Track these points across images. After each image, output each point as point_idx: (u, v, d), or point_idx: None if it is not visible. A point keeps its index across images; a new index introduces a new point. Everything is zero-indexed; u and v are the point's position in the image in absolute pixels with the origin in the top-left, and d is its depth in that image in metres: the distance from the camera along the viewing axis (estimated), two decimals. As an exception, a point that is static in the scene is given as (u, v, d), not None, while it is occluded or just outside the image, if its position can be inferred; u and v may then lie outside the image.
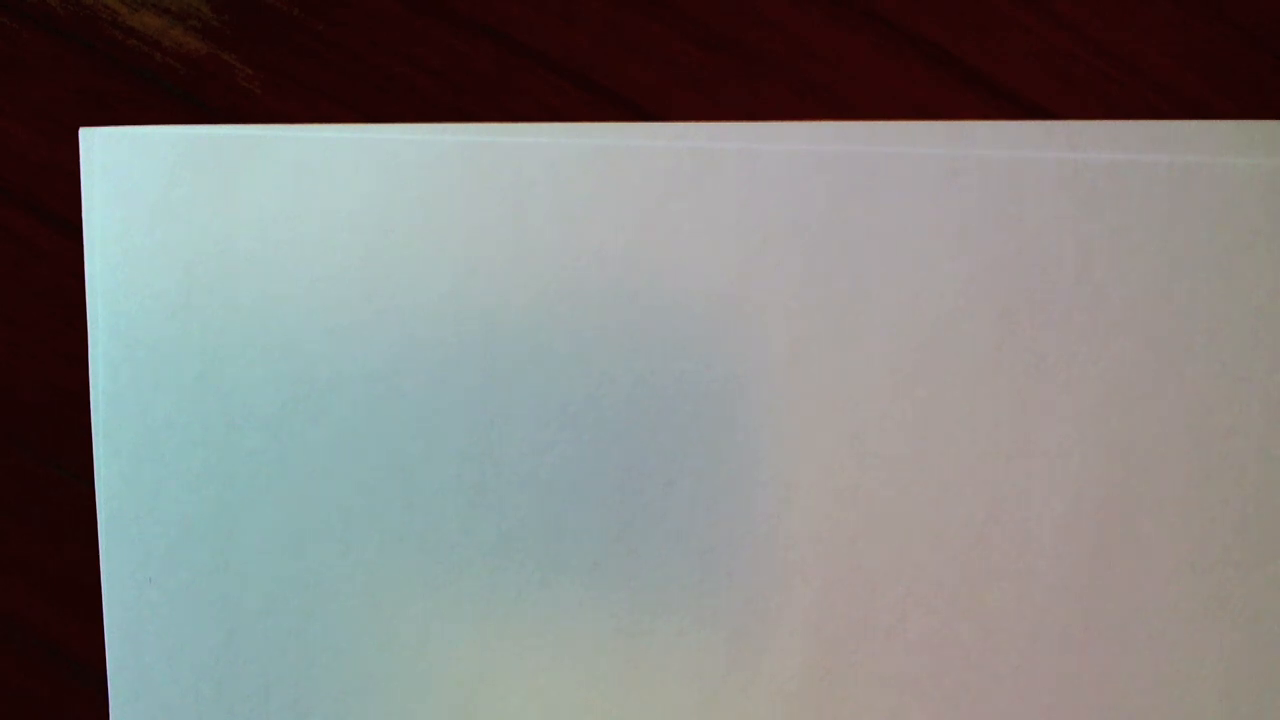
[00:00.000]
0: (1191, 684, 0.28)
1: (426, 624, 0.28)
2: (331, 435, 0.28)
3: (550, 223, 0.28)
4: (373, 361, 0.28)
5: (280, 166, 0.28)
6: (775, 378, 0.28)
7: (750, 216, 0.28)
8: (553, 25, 0.29)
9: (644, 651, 0.28)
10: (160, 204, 0.28)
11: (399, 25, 0.29)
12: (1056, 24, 0.29)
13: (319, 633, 0.28)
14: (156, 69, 0.29)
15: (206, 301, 0.28)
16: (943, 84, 0.29)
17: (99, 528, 0.28)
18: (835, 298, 0.28)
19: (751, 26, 0.29)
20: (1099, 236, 0.28)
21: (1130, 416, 0.28)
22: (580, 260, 0.28)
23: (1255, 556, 0.28)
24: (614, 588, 0.28)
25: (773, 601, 0.28)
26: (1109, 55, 0.29)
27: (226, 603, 0.28)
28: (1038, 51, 0.29)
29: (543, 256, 0.28)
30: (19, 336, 0.29)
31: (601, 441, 0.28)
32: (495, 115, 0.29)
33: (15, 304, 0.29)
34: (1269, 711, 0.28)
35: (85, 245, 0.28)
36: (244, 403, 0.28)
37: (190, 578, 0.28)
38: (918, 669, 0.28)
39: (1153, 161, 0.28)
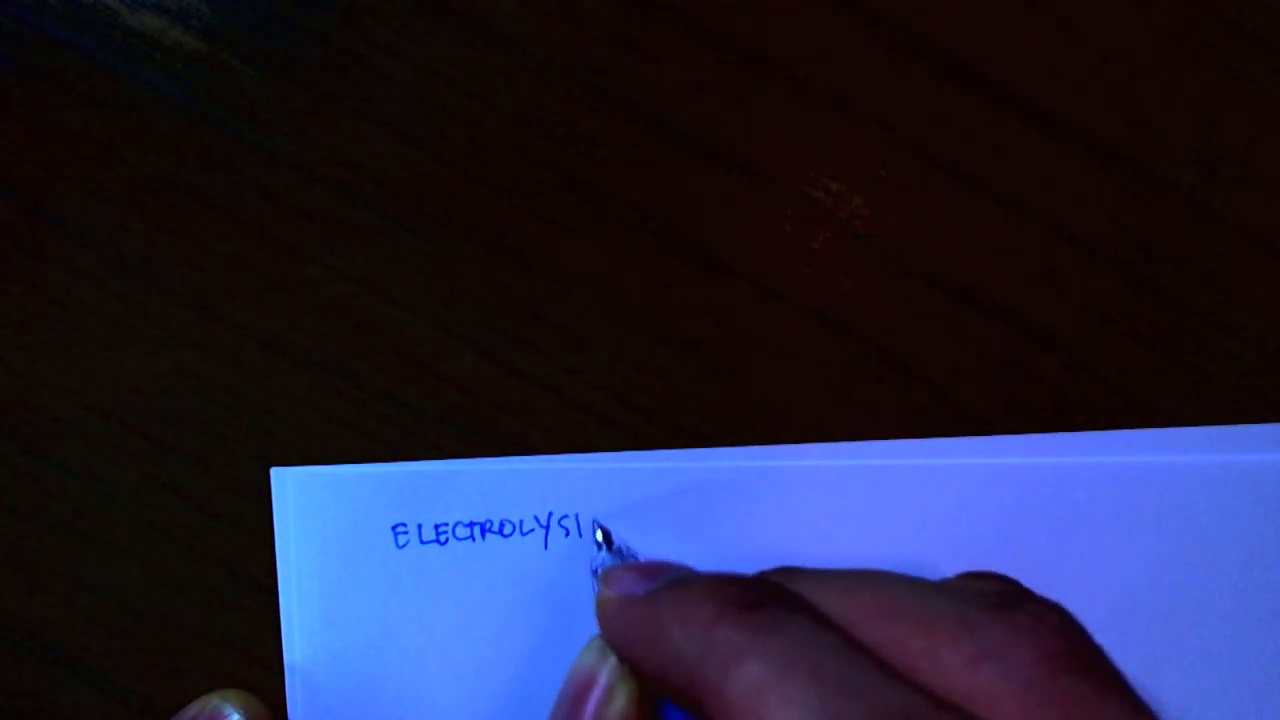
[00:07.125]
0: None
1: None
2: None
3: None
4: None
5: (472, 498, 0.28)
6: None
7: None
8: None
9: None
10: (354, 542, 0.28)
11: (402, 24, 0.29)
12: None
13: None
14: (156, 69, 0.29)
15: (403, 643, 0.28)
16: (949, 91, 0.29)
17: None
18: None
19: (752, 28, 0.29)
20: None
21: None
22: None
23: None
24: None
25: None
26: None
27: None
28: (1043, 54, 0.29)
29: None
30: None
31: None
32: (471, 105, 0.29)
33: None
34: None
35: (280, 582, 0.28)
36: None
37: None
38: None
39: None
